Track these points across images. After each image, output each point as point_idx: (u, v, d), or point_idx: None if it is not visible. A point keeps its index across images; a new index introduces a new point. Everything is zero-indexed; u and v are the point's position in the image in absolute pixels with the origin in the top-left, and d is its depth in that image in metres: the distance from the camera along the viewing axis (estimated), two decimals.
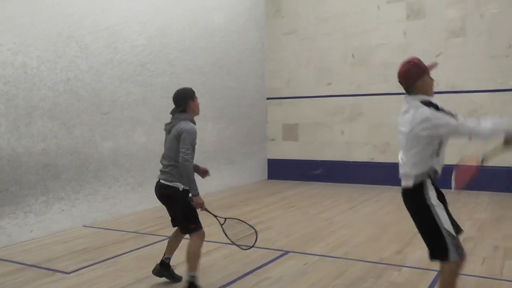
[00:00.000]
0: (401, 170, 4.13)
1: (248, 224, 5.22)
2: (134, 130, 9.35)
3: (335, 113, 12.67)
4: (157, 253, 6.57)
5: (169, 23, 10.17)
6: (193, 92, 5.45)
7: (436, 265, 5.73)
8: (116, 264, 6.18)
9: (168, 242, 5.48)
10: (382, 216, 8.61)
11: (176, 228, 5.32)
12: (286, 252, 6.41)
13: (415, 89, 4.10)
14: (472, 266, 5.73)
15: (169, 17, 10.17)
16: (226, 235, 5.15)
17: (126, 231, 7.84)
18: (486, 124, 3.71)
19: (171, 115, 5.38)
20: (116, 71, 8.94)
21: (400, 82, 4.16)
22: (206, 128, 11.30)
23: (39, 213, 7.54)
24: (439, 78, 11.28)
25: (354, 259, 6.10)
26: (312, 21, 12.91)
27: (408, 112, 3.98)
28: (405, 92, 4.13)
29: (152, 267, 5.58)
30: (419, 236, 6.98)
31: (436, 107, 3.95)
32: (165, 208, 5.25)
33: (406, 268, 5.71)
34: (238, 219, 5.31)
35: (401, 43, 11.69)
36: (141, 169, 9.46)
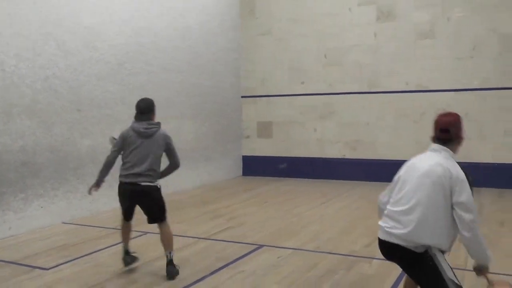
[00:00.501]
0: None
1: None
2: (112, 128, 9.25)
3: (308, 111, 12.72)
4: (133, 248, 6.54)
5: (146, 24, 10.09)
6: None
7: None
8: (95, 260, 6.14)
9: (124, 234, 5.84)
10: (353, 211, 8.69)
11: (127, 222, 5.83)
12: (260, 246, 6.43)
13: (455, 144, 3.71)
14: None
15: (146, 18, 10.09)
16: None
17: (105, 227, 7.78)
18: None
19: (136, 121, 5.52)
20: (94, 70, 8.84)
21: (445, 130, 3.67)
22: (183, 126, 11.26)
23: (18, 210, 7.42)
24: (409, 78, 11.49)
25: (325, 252, 6.16)
26: (286, 22, 12.93)
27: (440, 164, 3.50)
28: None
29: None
30: None
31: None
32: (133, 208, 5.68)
33: (376, 260, 5.75)
34: None
35: (372, 44, 11.79)
36: (119, 167, 9.36)
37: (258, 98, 13.20)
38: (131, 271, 5.63)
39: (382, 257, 5.62)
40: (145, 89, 10.01)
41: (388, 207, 3.68)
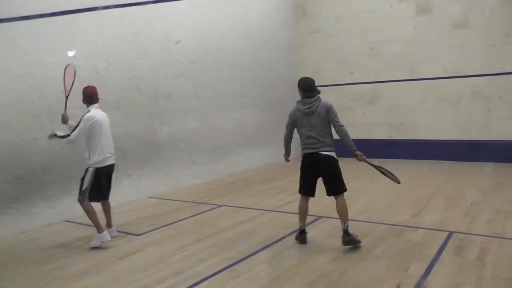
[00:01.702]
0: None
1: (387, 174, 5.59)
2: (187, 118, 9.48)
3: (357, 98, 12.54)
4: (210, 218, 6.72)
5: (211, 28, 10.18)
6: None
7: (447, 226, 5.74)
8: (177, 228, 6.34)
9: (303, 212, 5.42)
10: (398, 186, 8.34)
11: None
12: (319, 217, 6.41)
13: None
14: (478, 226, 5.68)
15: (211, 22, 10.18)
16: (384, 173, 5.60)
17: (184, 201, 7.98)
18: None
19: (306, 99, 5.24)
20: (170, 69, 9.05)
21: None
22: (247, 114, 11.36)
23: (112, 187, 7.72)
24: (446, 65, 11.11)
25: (375, 222, 6.09)
26: (333, 20, 12.72)
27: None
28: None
29: (207, 231, 5.76)
30: (432, 202, 7.01)
31: None
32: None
33: (421, 229, 5.67)
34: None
35: (412, 36, 11.45)
36: (194, 150, 9.60)
37: None
38: (208, 237, 5.76)
39: (427, 226, 5.55)
40: (213, 84, 10.16)
41: None
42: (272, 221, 6.46)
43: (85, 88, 5.85)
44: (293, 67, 13.19)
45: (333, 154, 5.16)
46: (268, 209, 7.16)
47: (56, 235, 6.29)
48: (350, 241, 5.02)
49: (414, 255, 4.78)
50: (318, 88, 5.31)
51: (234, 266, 4.73)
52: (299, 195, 5.38)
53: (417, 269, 4.40)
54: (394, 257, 4.76)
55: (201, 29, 9.90)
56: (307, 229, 5.48)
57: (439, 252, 4.82)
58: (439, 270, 4.35)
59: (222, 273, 4.58)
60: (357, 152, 5.22)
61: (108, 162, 5.81)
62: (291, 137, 5.43)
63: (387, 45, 11.90)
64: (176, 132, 9.19)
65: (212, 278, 4.45)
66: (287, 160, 5.61)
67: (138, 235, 6.09)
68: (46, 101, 6.79)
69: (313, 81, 5.30)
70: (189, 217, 6.89)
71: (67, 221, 7.00)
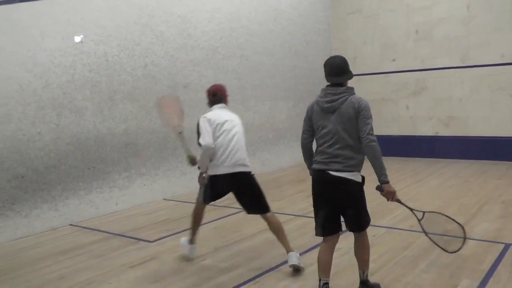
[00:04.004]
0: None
1: (454, 221, 4.05)
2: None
3: (400, 89, 12.33)
4: (232, 224, 6.66)
5: (236, 9, 10.12)
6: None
7: (503, 237, 5.53)
8: None
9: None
10: (447, 190, 8.32)
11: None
12: None
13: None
14: None
15: (236, 3, 10.11)
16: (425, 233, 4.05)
17: None
18: None
19: (330, 88, 4.01)
20: (190, 56, 9.02)
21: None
22: (276, 107, 11.27)
23: (123, 187, 7.79)
24: (504, 49, 10.77)
25: (420, 232, 5.89)
26: None
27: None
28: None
29: (229, 238, 5.71)
30: (485, 209, 6.79)
31: None
32: None
33: (472, 240, 5.48)
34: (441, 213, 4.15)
35: (464, 16, 11.14)
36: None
37: None
38: (228, 246, 5.71)
39: (479, 237, 5.34)
40: (238, 72, 10.11)
41: None
42: (303, 228, 6.36)
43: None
44: (329, 53, 13.01)
45: (351, 175, 3.85)
46: (298, 214, 7.08)
47: (60, 241, 6.32)
48: None
49: (464, 270, 4.64)
50: (349, 72, 4.04)
51: (259, 278, 4.69)
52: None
53: (467, 286, 4.28)
54: (441, 271, 4.64)
55: (225, 10, 9.84)
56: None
57: (494, 268, 4.68)
58: None
59: (246, 285, 4.54)
60: (388, 186, 3.83)
61: None
62: (310, 145, 4.24)
63: (436, 27, 11.64)
64: (196, 127, 9.13)
65: None
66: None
67: (152, 241, 6.09)
68: (50, 92, 6.84)
69: (342, 61, 3.97)
70: (209, 222, 6.82)
71: (72, 225, 7.05)
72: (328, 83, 4.02)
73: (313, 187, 4.06)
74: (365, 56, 12.78)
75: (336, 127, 3.85)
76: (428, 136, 11.95)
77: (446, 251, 3.93)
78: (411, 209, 4.01)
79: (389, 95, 12.41)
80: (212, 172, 4.99)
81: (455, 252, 3.92)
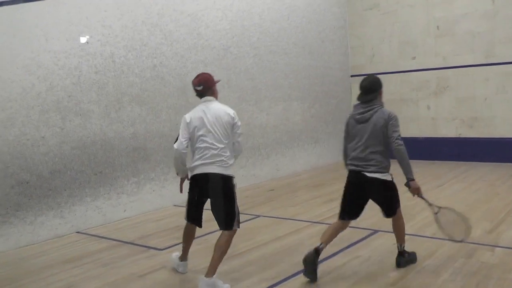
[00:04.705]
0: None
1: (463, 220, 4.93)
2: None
3: (421, 88, 12.22)
4: (246, 231, 6.58)
5: (248, 7, 10.09)
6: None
7: None
8: (206, 241, 6.17)
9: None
10: (471, 194, 8.19)
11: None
12: (375, 231, 6.23)
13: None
14: None
15: (248, 1, 10.07)
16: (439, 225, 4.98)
17: None
18: None
19: (361, 104, 4.86)
20: (200, 56, 8.99)
21: None
22: (290, 108, 11.23)
23: (131, 193, 7.76)
24: None
25: (443, 239, 5.80)
26: None
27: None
28: None
29: (240, 246, 5.66)
30: None
31: None
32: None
33: (499, 248, 5.38)
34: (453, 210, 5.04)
35: (488, 10, 10.99)
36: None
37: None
38: (242, 253, 5.66)
39: (507, 244, 5.22)
40: (251, 72, 10.07)
41: None
42: (319, 235, 6.22)
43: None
44: (345, 51, 12.96)
45: (383, 176, 4.75)
46: (314, 220, 7.03)
47: (66, 249, 6.30)
48: (407, 262, 5.03)
49: (491, 280, 4.54)
50: (378, 91, 4.84)
51: None
52: None
53: None
54: (466, 281, 4.54)
55: (237, 8, 9.82)
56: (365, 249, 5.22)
57: None
58: None
59: None
60: (414, 183, 4.78)
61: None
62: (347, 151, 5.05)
63: (458, 22, 11.54)
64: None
65: None
66: None
67: (161, 249, 6.05)
68: (55, 95, 6.83)
69: (370, 82, 4.84)
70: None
71: (78, 232, 7.03)
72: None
73: (348, 183, 4.94)
74: (383, 54, 12.68)
75: (370, 135, 4.73)
76: (451, 137, 11.81)
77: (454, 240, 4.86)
78: (429, 204, 4.97)
79: (409, 94, 12.30)
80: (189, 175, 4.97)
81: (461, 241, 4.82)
